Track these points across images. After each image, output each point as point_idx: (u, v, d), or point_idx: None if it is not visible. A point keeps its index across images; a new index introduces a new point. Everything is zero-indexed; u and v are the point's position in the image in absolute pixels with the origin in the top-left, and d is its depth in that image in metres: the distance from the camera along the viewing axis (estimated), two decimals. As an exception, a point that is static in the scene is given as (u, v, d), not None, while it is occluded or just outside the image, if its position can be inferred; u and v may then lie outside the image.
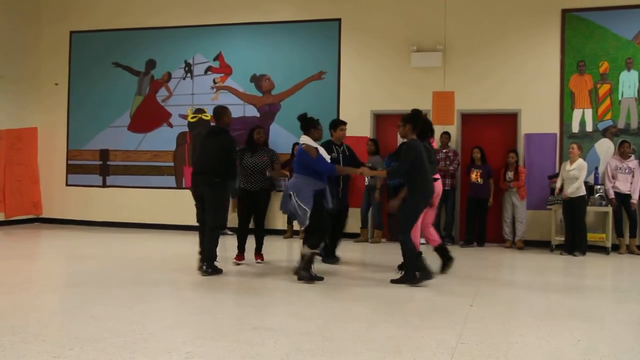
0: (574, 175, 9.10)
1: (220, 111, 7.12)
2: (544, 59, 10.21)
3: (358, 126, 10.70)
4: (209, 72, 11.91)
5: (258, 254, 7.93)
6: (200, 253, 6.99)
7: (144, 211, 12.05)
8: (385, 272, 7.10)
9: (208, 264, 6.88)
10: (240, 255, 7.81)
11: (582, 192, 9.13)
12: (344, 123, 8.02)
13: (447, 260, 7.29)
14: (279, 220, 11.04)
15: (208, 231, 6.88)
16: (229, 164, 6.94)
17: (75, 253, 8.99)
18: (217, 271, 6.92)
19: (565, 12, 10.13)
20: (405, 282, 6.44)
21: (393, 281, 6.54)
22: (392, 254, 8.20)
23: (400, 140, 10.68)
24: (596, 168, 9.74)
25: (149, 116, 12.19)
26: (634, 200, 9.46)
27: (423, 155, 6.51)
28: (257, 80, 11.63)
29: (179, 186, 11.95)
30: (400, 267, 7.07)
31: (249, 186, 7.76)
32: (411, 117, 6.72)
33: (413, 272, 6.44)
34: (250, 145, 7.83)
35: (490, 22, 10.45)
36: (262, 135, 7.95)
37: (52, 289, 6.49)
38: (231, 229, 11.31)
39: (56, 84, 12.74)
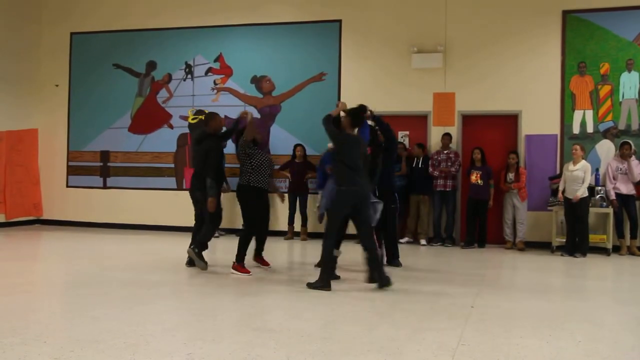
0: (577, 176, 9.10)
1: (207, 117, 7.76)
2: (545, 60, 10.21)
3: (358, 127, 10.70)
4: (209, 74, 11.92)
5: (261, 257, 7.61)
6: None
7: (144, 213, 12.05)
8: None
9: (197, 245, 7.30)
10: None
11: (585, 193, 9.13)
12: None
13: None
14: (280, 221, 11.03)
15: (205, 223, 7.39)
16: (209, 166, 7.23)
17: (75, 254, 8.99)
18: (201, 258, 7.25)
19: (565, 13, 10.14)
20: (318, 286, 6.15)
21: (309, 285, 6.23)
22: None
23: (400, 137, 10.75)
24: (597, 169, 9.73)
25: (149, 117, 12.19)
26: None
27: (356, 151, 6.24)
28: (257, 81, 11.63)
29: (179, 187, 11.95)
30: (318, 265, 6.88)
31: (264, 185, 7.29)
32: (353, 112, 6.43)
33: (327, 276, 6.19)
34: (255, 144, 7.73)
35: (490, 23, 10.46)
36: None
37: (52, 291, 6.49)
38: (223, 229, 11.31)
39: (57, 86, 12.75)
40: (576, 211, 9.13)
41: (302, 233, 10.83)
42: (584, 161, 9.25)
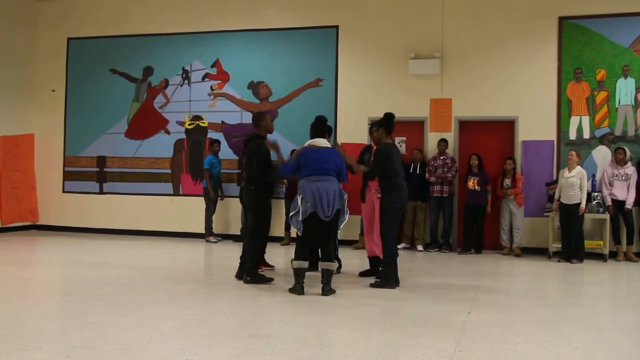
0: (573, 183, 9.11)
1: (257, 117, 7.17)
2: (541, 66, 10.23)
3: (355, 133, 10.74)
4: (206, 79, 11.91)
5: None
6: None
7: (141, 218, 12.02)
8: (382, 279, 7.07)
9: (247, 272, 6.86)
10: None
11: (579, 199, 9.13)
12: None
13: (373, 272, 7.29)
14: (276, 226, 11.00)
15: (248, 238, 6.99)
16: (257, 169, 6.81)
17: (72, 260, 8.96)
18: (259, 280, 6.84)
19: (562, 20, 10.17)
20: (384, 286, 6.64)
21: (372, 285, 6.72)
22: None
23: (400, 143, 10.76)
24: (593, 175, 9.75)
25: (146, 123, 12.17)
26: (628, 205, 9.45)
27: (393, 157, 6.74)
28: (254, 87, 11.63)
29: (176, 193, 11.93)
30: (362, 274, 7.35)
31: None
32: (385, 120, 6.98)
33: (390, 276, 6.66)
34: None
35: (487, 30, 10.48)
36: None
37: (48, 297, 6.47)
38: (219, 235, 11.30)
39: (53, 91, 12.72)
40: (571, 217, 9.13)
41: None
42: (579, 167, 9.26)
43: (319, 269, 6.44)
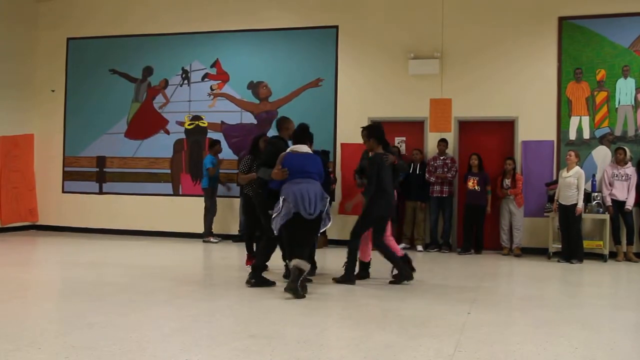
0: (570, 182, 9.11)
1: (281, 121, 7.24)
2: (541, 66, 10.23)
3: (355, 133, 10.68)
4: (206, 79, 11.91)
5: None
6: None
7: (140, 218, 12.01)
8: (382, 280, 7.08)
9: (251, 273, 6.75)
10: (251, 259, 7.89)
11: (576, 199, 9.12)
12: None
13: (362, 273, 7.23)
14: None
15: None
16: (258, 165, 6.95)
17: (71, 260, 8.95)
18: (262, 283, 6.68)
19: (562, 20, 10.17)
20: (345, 282, 6.84)
21: (336, 280, 6.92)
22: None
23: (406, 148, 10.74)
24: (593, 175, 9.75)
25: (146, 123, 12.17)
26: (628, 207, 9.45)
27: (383, 168, 6.85)
28: (254, 87, 11.63)
29: (175, 193, 11.92)
30: (394, 275, 7.12)
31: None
32: (374, 130, 7.11)
33: (351, 272, 6.87)
34: (256, 154, 7.78)
35: (487, 30, 10.48)
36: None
37: (47, 297, 6.46)
38: (219, 235, 11.28)
39: (53, 91, 12.72)
40: (569, 218, 9.13)
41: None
42: (577, 167, 9.26)
43: (290, 266, 6.23)
